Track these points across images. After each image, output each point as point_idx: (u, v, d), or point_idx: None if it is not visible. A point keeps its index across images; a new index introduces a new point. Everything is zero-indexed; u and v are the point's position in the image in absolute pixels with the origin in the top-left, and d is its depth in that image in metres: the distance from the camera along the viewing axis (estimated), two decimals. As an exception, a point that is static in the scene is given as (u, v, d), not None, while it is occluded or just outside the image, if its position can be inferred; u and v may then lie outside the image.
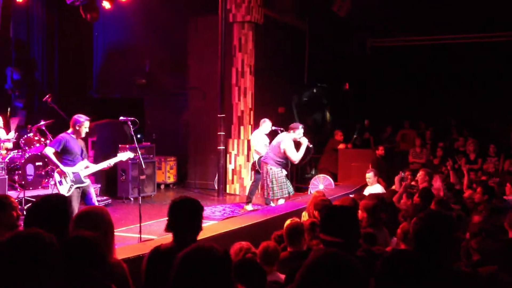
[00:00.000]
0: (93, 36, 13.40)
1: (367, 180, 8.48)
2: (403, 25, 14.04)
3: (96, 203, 6.64)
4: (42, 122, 9.14)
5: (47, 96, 9.53)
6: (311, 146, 8.33)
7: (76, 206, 6.27)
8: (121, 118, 6.87)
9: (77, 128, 6.42)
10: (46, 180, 9.11)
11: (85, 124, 6.45)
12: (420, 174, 7.71)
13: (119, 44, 13.08)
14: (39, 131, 9.31)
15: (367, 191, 7.92)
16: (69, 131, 6.45)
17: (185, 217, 3.31)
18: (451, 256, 2.89)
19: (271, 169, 8.22)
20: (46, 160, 7.61)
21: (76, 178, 6.37)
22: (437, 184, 7.39)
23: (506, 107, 13.57)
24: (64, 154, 6.38)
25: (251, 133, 10.66)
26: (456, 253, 3.72)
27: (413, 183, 7.76)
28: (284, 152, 8.14)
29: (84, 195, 6.50)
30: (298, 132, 8.21)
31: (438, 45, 14.52)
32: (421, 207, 5.49)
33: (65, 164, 6.36)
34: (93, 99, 12.95)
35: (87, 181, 6.51)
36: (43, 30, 12.36)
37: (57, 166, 6.33)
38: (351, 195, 6.62)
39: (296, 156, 8.12)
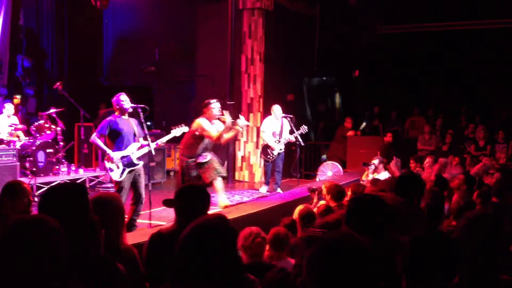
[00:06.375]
0: (103, 24, 13.43)
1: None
2: (412, 12, 13.92)
3: (143, 195, 6.34)
4: (53, 110, 9.23)
5: (58, 83, 9.61)
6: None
7: (126, 191, 6.15)
8: (131, 105, 6.90)
9: (119, 106, 6.24)
10: (57, 166, 9.21)
11: (121, 97, 6.26)
12: (427, 161, 7.70)
13: (129, 31, 13.10)
14: (49, 118, 9.39)
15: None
16: (116, 113, 6.27)
17: (190, 204, 3.31)
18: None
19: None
20: (94, 146, 7.29)
21: (128, 161, 6.17)
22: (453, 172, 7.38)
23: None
24: (115, 138, 6.18)
25: (261, 120, 10.68)
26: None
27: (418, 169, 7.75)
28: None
29: (135, 184, 6.28)
30: (213, 107, 7.05)
31: (448, 31, 14.38)
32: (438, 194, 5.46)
33: (116, 149, 6.17)
34: (103, 87, 13.02)
35: (140, 163, 6.28)
36: (53, 18, 12.41)
37: (105, 152, 6.16)
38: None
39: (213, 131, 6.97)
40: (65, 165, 9.30)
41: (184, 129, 6.69)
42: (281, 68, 12.36)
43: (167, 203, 3.49)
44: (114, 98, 6.32)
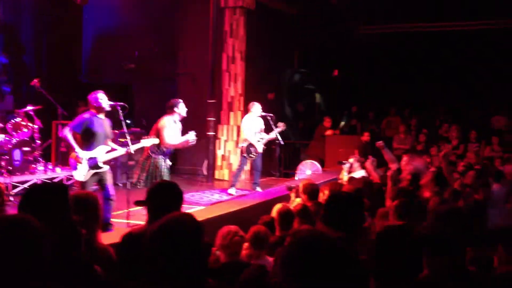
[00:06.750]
0: (83, 20, 13.27)
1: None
2: (393, 12, 14.04)
3: (113, 193, 6.19)
4: (30, 107, 9.08)
5: (35, 80, 9.46)
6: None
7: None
8: (110, 103, 6.81)
9: (97, 105, 6.09)
10: (34, 165, 9.07)
11: (100, 96, 6.12)
12: (404, 160, 7.78)
13: (109, 28, 12.97)
14: (26, 116, 9.24)
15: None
16: (93, 111, 6.11)
17: (162, 201, 3.30)
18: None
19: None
20: (64, 141, 7.17)
21: (93, 163, 6.03)
22: (416, 164, 7.47)
23: (488, 94, 13.81)
24: (88, 137, 6.03)
25: (241, 119, 10.67)
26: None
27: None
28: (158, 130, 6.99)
29: (101, 183, 6.16)
30: (182, 106, 7.16)
31: (429, 32, 14.53)
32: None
33: (86, 148, 6.02)
34: (82, 84, 12.87)
35: (105, 167, 6.15)
36: (32, 14, 12.23)
37: (74, 150, 6.01)
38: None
39: (173, 140, 6.99)
40: (42, 163, 9.16)
41: (154, 140, 6.67)
42: (262, 66, 12.38)
43: (139, 203, 3.47)
44: (92, 96, 6.17)
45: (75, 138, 6.08)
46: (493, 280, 2.65)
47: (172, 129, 7.01)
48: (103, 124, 6.16)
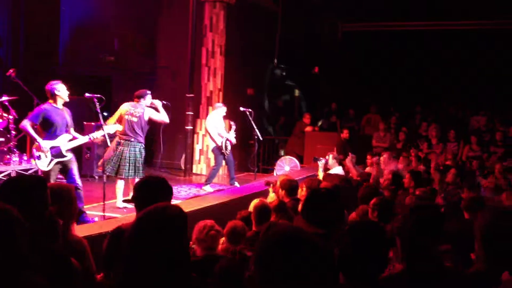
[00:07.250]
0: (60, 12, 13.06)
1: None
2: (376, 11, 14.13)
3: (79, 182, 6.26)
4: (5, 98, 8.93)
5: (11, 70, 9.28)
6: (165, 102, 7.71)
7: (53, 181, 6.00)
8: (87, 95, 6.72)
9: (56, 94, 6.11)
10: (9, 156, 8.92)
11: (59, 87, 6.15)
12: (384, 157, 7.86)
13: (88, 20, 12.79)
14: (2, 107, 9.08)
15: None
16: (50, 101, 6.14)
17: (150, 196, 3.25)
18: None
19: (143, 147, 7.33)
20: (24, 133, 7.24)
21: (56, 152, 6.08)
22: (391, 167, 7.56)
23: (469, 94, 14.00)
24: (46, 127, 6.07)
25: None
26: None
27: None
28: (150, 120, 7.38)
29: (66, 172, 6.20)
30: (149, 98, 7.53)
31: (411, 31, 14.66)
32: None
33: (47, 138, 6.06)
34: (59, 76, 12.66)
35: (69, 155, 6.19)
36: (8, 5, 12.00)
37: (35, 140, 6.05)
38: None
39: (165, 116, 7.51)
40: (16, 154, 9.01)
41: (117, 126, 6.78)
42: (241, 61, 12.34)
43: (127, 201, 3.43)
44: (49, 86, 6.17)
45: (35, 129, 6.12)
46: (469, 277, 2.68)
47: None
48: (62, 113, 6.19)
